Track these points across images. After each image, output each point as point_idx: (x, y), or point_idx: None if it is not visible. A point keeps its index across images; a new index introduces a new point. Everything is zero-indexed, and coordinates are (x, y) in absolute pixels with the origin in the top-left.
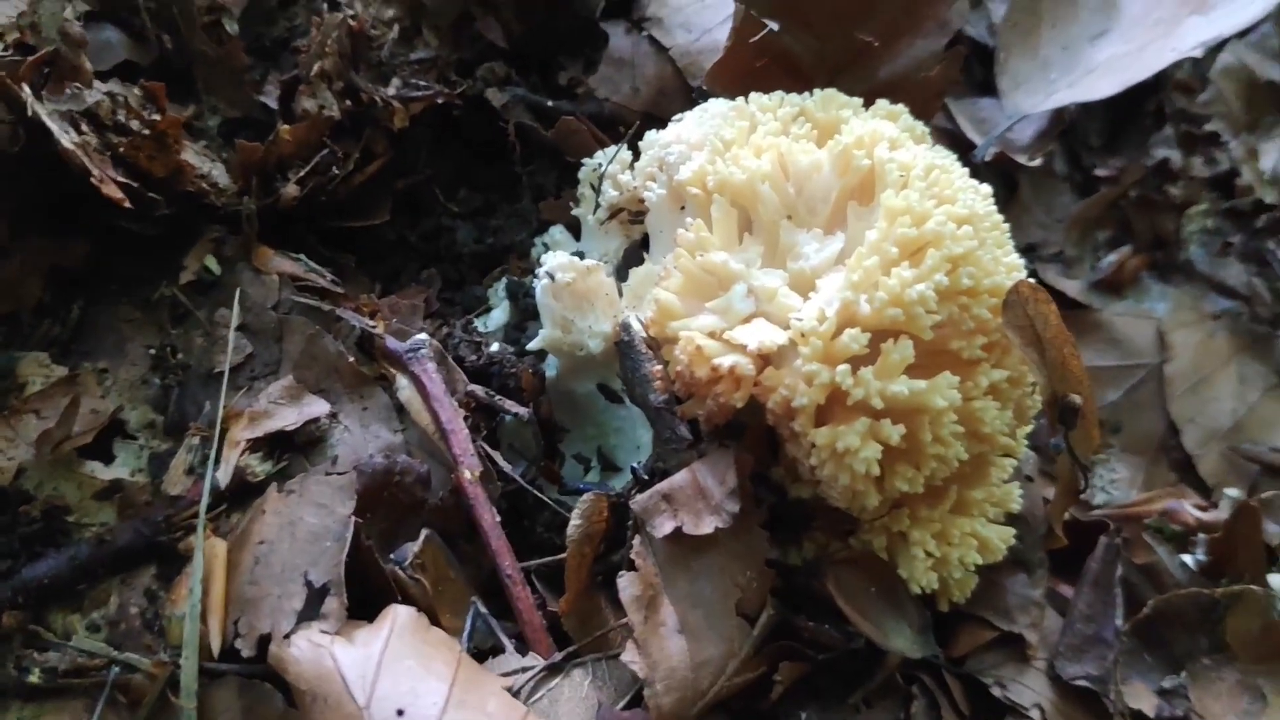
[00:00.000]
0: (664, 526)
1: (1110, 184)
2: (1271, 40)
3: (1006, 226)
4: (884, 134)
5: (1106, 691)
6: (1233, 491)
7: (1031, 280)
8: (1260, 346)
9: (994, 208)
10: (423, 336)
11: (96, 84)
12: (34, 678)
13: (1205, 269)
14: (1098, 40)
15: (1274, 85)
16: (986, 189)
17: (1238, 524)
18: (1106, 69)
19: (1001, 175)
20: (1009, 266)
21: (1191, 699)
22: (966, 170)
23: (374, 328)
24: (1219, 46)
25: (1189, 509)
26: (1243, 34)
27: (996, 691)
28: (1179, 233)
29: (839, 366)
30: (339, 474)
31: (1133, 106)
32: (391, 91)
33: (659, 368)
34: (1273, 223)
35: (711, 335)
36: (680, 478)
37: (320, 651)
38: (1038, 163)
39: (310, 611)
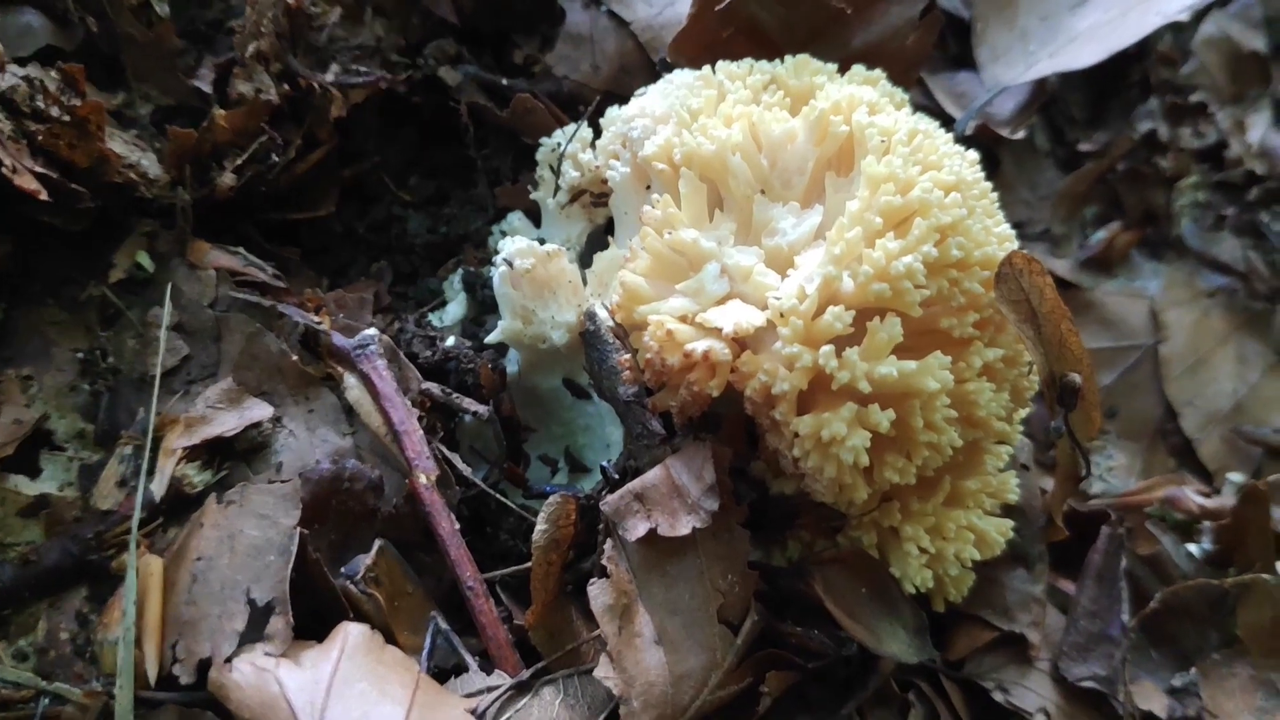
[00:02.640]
0: (637, 529)
1: (1096, 158)
2: (1254, 10)
3: (995, 195)
4: (862, 98)
5: (1115, 692)
6: (1236, 476)
7: (1025, 251)
8: (1258, 323)
9: (981, 174)
10: (371, 331)
11: (13, 68)
12: None
13: (1198, 244)
14: (1078, 8)
15: (1258, 56)
16: (973, 155)
17: (1245, 509)
18: (1088, 37)
19: (982, 150)
20: (1000, 237)
21: (1203, 697)
22: (950, 136)
23: (319, 324)
24: (1200, 17)
25: (1191, 495)
26: (1225, 3)
27: (998, 696)
28: (1170, 207)
29: (822, 348)
30: (283, 482)
31: (1115, 78)
32: (330, 77)
33: (627, 357)
34: (1265, 194)
35: (683, 319)
36: (653, 475)
37: (264, 676)
38: (1020, 135)
39: (253, 632)
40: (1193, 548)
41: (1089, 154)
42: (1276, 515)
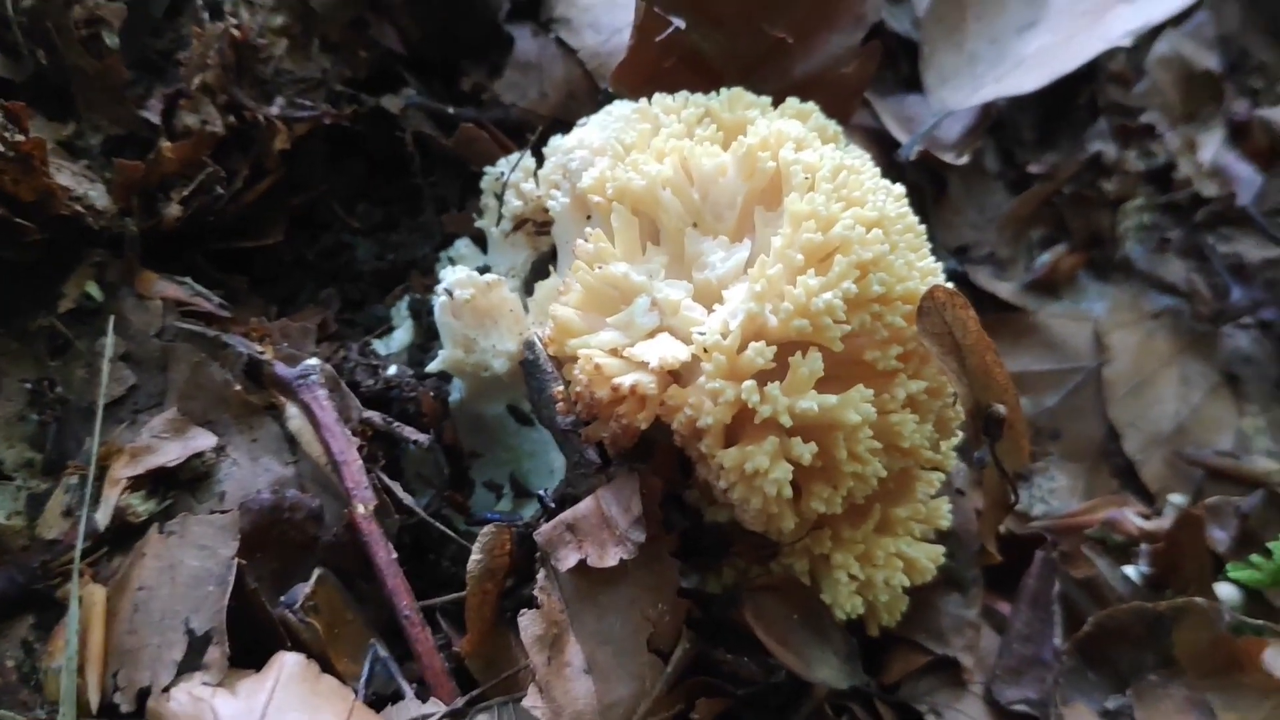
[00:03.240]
0: (568, 559)
1: (1044, 180)
2: (1207, 29)
3: (923, 229)
4: (789, 134)
5: (1047, 715)
6: (1177, 498)
7: (948, 285)
8: (1202, 345)
9: (907, 209)
10: (313, 362)
11: None
12: None
13: (1144, 266)
14: (1026, 32)
15: (1210, 75)
16: (899, 189)
17: (1180, 533)
18: (1035, 61)
19: (931, 174)
20: (924, 271)
21: (1137, 718)
22: (878, 171)
23: (262, 353)
24: (1154, 36)
25: (1131, 518)
26: (1178, 23)
27: (931, 719)
28: (1115, 229)
29: (744, 383)
30: (224, 512)
31: (1066, 100)
32: (275, 110)
33: (561, 389)
34: (1211, 216)
35: (613, 352)
36: (584, 506)
37: (200, 705)
38: (965, 160)
39: (191, 662)
40: (1130, 570)
41: (1038, 176)
42: (1217, 536)
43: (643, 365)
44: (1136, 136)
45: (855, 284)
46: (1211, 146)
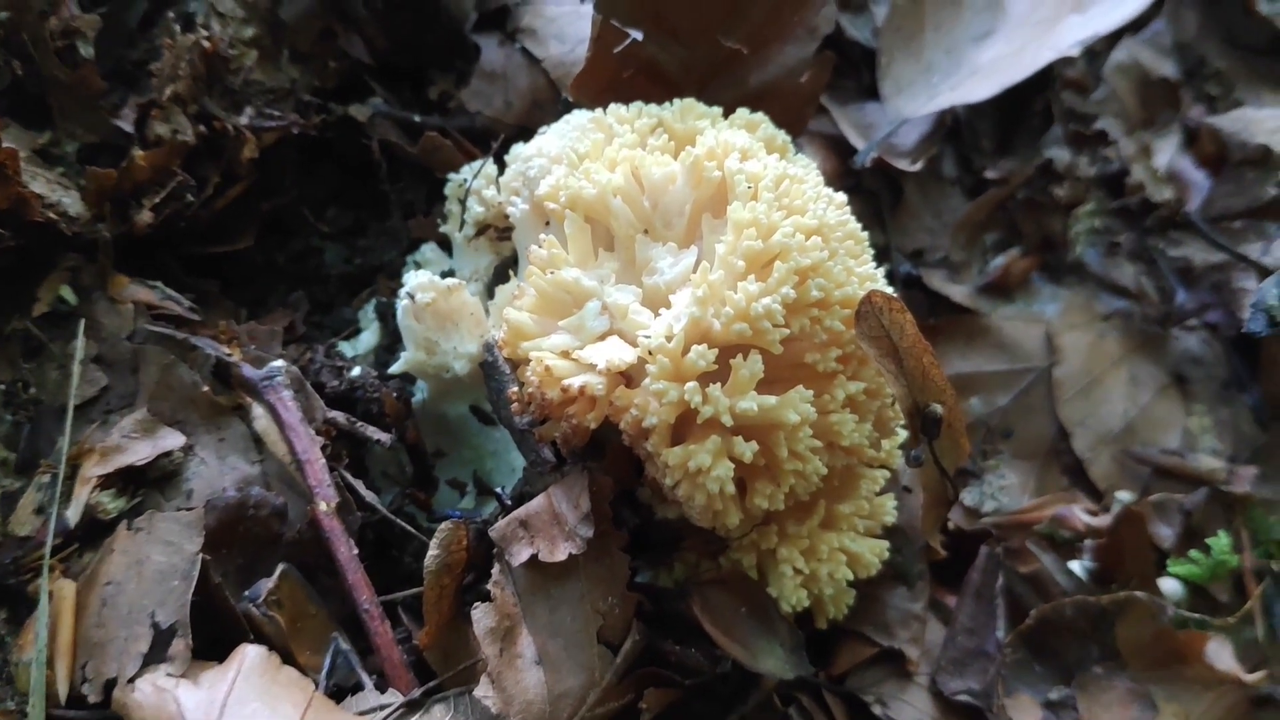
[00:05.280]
0: (521, 554)
1: (999, 186)
2: (1164, 37)
3: (864, 236)
4: (736, 144)
5: (989, 705)
6: (1124, 495)
7: (886, 290)
8: (1151, 347)
9: (849, 217)
10: (278, 364)
11: None
12: None
13: (1096, 269)
14: (982, 42)
15: (1167, 82)
16: (841, 198)
17: (1124, 529)
18: (988, 70)
19: (888, 180)
20: (862, 277)
21: (1080, 709)
22: (821, 180)
23: (229, 355)
24: (1112, 44)
25: (1079, 514)
26: (1135, 30)
27: (878, 710)
28: (1067, 234)
29: (687, 384)
30: (189, 510)
31: (1023, 108)
32: (244, 120)
33: (515, 390)
34: (1160, 221)
35: (564, 355)
36: (537, 503)
37: (164, 695)
38: (919, 167)
39: (156, 654)
40: (1075, 565)
41: (994, 182)
42: (1162, 533)
43: (591, 367)
44: (1090, 143)
45: (794, 289)
46: (1167, 152)
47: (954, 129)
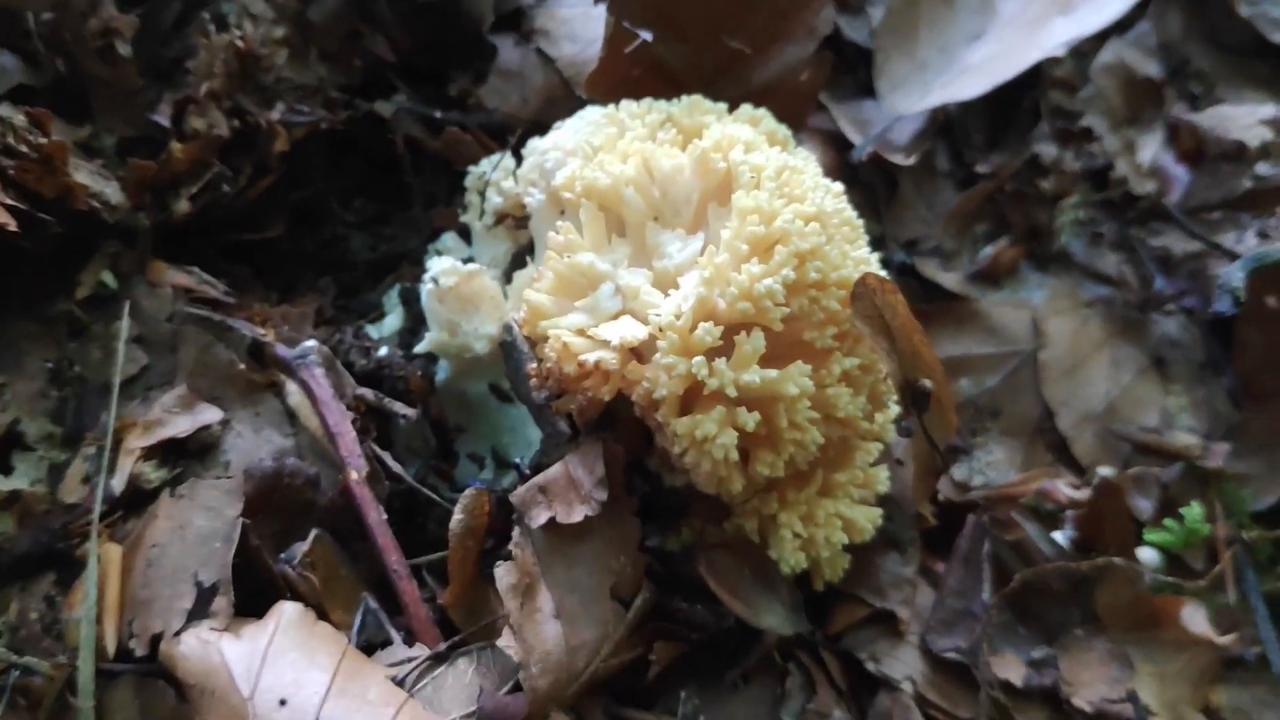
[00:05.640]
0: (539, 517)
1: (989, 179)
2: (1149, 37)
3: (860, 223)
4: (740, 138)
5: (975, 663)
6: (1106, 470)
7: (880, 273)
8: (1132, 331)
9: (845, 205)
10: (311, 343)
11: None
12: None
13: (1080, 258)
14: (974, 42)
15: (1151, 81)
16: (838, 187)
17: (1103, 500)
18: (979, 70)
19: (884, 173)
20: (858, 260)
21: (1061, 668)
22: (820, 171)
23: (264, 336)
24: (1099, 44)
25: (1062, 488)
26: (1121, 31)
27: (870, 666)
28: (1053, 224)
29: (695, 359)
30: (229, 478)
31: (1012, 105)
32: (276, 115)
33: (534, 366)
34: (1141, 213)
35: (580, 333)
36: (554, 470)
37: (208, 647)
38: (913, 161)
39: (200, 610)
40: (1058, 535)
41: (984, 175)
42: (1140, 505)
43: (605, 344)
44: (1076, 139)
45: (794, 271)
46: (1151, 148)
47: (946, 125)
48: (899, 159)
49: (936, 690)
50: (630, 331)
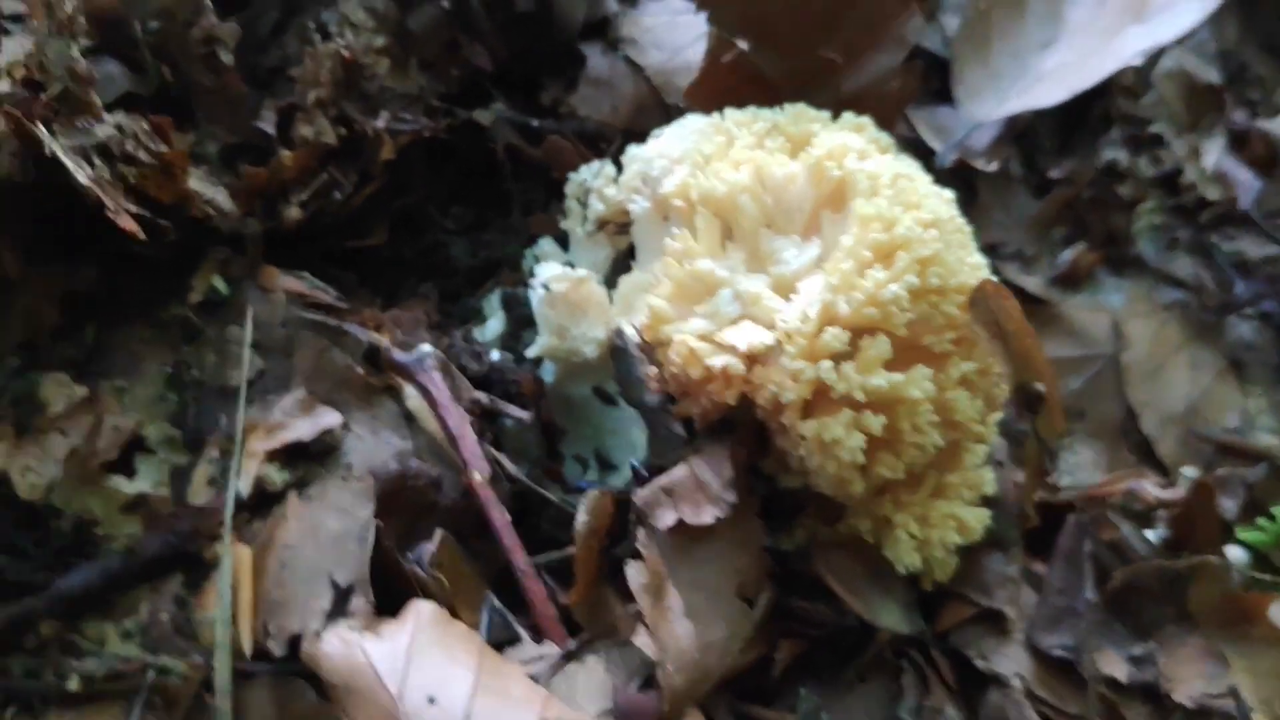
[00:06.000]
0: (666, 518)
1: (1063, 185)
2: (1209, 45)
3: (970, 229)
4: (852, 146)
5: (1080, 659)
6: (1189, 470)
7: (994, 278)
8: (1209, 334)
9: (957, 212)
10: (428, 349)
11: (105, 116)
12: (72, 684)
13: (1155, 262)
14: (1045, 50)
15: (1212, 88)
16: (949, 194)
17: (1195, 500)
18: (1055, 77)
19: (962, 180)
20: (973, 266)
21: (1159, 664)
22: (930, 177)
23: (380, 341)
24: (1160, 52)
25: (1150, 488)
26: (1181, 39)
27: (979, 663)
28: (1129, 229)
29: (822, 363)
30: (357, 480)
31: (1082, 110)
32: (381, 123)
33: (654, 370)
34: (1215, 218)
35: (701, 338)
36: (679, 472)
37: (351, 647)
38: (994, 168)
39: (338, 610)
40: (1150, 534)
41: (1057, 181)
42: (1226, 505)
43: (730, 349)
44: (1147, 145)
45: (916, 277)
46: (1214, 153)
47: (1019, 131)
48: (981, 164)
49: (1045, 687)
50: (757, 337)
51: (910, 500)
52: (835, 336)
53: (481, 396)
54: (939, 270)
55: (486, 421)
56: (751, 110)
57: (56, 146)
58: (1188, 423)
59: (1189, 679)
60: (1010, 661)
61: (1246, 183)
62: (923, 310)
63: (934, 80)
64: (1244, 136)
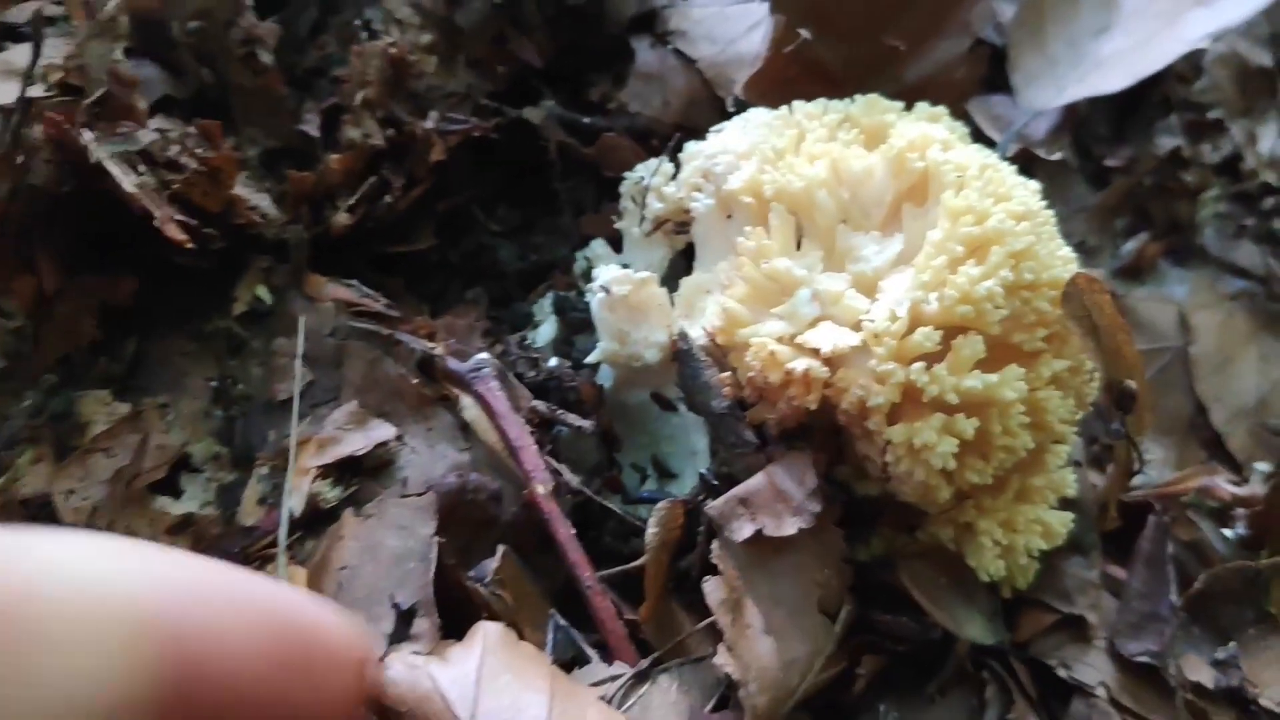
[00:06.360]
0: (743, 530)
1: (1123, 173)
2: (1260, 28)
3: (1055, 220)
4: (935, 137)
5: (1166, 666)
6: (1262, 465)
7: (1087, 271)
8: (1278, 324)
9: (1044, 203)
10: (484, 356)
11: (148, 122)
12: None
13: (1219, 252)
14: (1101, 36)
15: (1265, 71)
16: (1035, 185)
17: (1276, 496)
18: (1113, 63)
19: (1021, 170)
20: (1064, 259)
21: (1243, 668)
22: (1015, 168)
23: (434, 349)
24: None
25: (1224, 485)
26: None
27: (1062, 673)
28: (1193, 218)
29: (914, 364)
30: (417, 495)
31: (1136, 97)
32: (430, 124)
33: (726, 374)
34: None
35: (780, 340)
36: (756, 482)
37: (417, 673)
38: (1057, 157)
39: (400, 633)
40: (1228, 532)
41: (1114, 169)
42: None
43: (812, 352)
44: (1207, 131)
45: (1010, 272)
46: (1270, 138)
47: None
48: (1042, 153)
49: (1129, 695)
50: (841, 339)
51: (993, 505)
52: (926, 336)
53: (540, 405)
54: (1032, 264)
55: (545, 431)
56: (821, 102)
57: (102, 153)
58: (1259, 416)
59: (1274, 682)
60: (1093, 670)
61: None
62: (1015, 307)
63: (988, 69)
64: None
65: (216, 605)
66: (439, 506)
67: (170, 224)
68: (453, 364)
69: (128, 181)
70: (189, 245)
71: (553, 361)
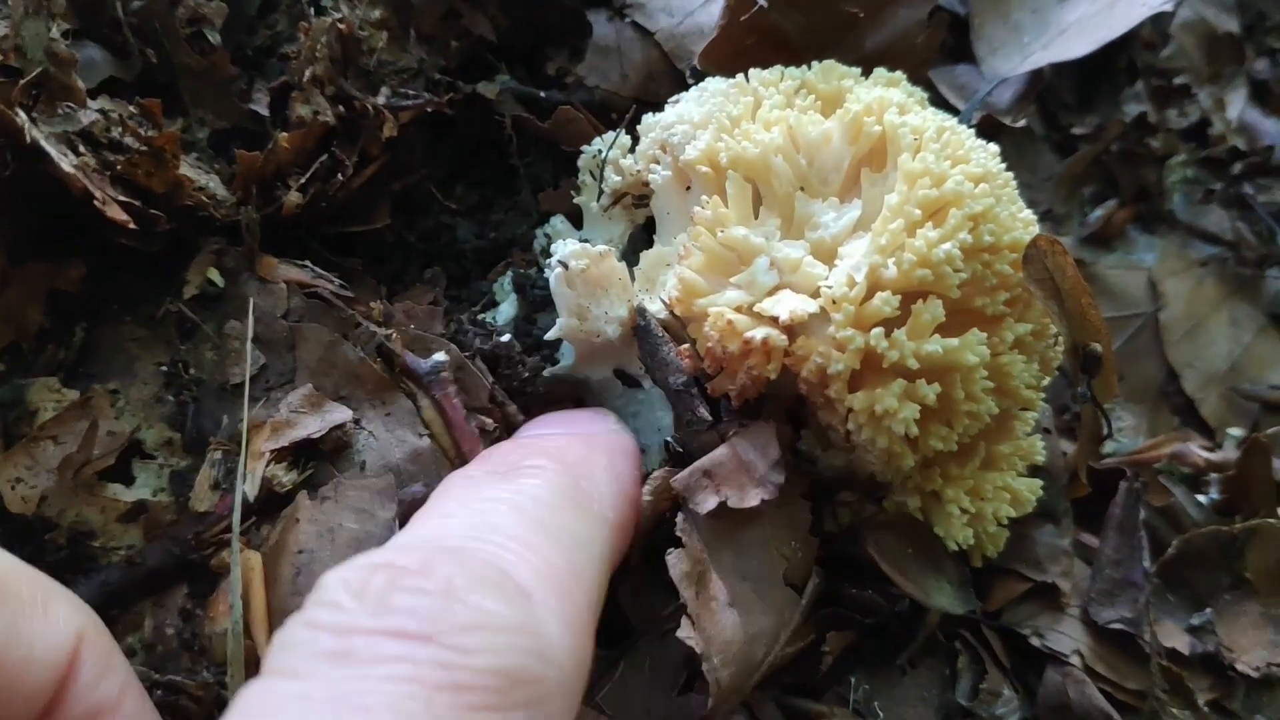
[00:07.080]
0: (707, 502)
1: (1090, 141)
2: None
3: (1015, 182)
4: (892, 100)
5: (1141, 632)
6: (1235, 431)
7: (1048, 233)
8: (1248, 289)
9: (1003, 165)
10: (442, 357)
11: (89, 102)
12: None
13: (1187, 218)
14: (1064, 2)
15: (1232, 36)
16: (994, 147)
17: (1249, 460)
18: (1077, 29)
19: (985, 138)
20: (1024, 221)
21: (1219, 634)
22: (973, 130)
23: (389, 335)
24: (1178, 1)
25: (1196, 451)
26: None
27: (1035, 641)
28: (1161, 184)
29: (873, 330)
30: (374, 478)
31: (1102, 64)
32: (381, 100)
33: (686, 347)
34: (1249, 168)
35: (739, 309)
36: (720, 453)
37: None
38: (1021, 124)
39: None
40: (1201, 498)
41: (1081, 137)
42: (1277, 465)
43: (771, 320)
44: (1173, 96)
45: (969, 234)
46: (1238, 104)
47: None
48: (1007, 121)
49: (1104, 663)
50: (800, 306)
51: (960, 473)
52: (885, 301)
53: (499, 394)
54: (991, 227)
55: (504, 426)
56: (778, 69)
57: (37, 133)
58: (1230, 381)
59: (1250, 648)
60: (1067, 638)
61: (1273, 133)
62: (975, 270)
63: (949, 38)
64: (1266, 85)
65: None
66: (399, 515)
67: (111, 204)
68: (411, 361)
69: (65, 162)
70: (131, 226)
71: (505, 337)
